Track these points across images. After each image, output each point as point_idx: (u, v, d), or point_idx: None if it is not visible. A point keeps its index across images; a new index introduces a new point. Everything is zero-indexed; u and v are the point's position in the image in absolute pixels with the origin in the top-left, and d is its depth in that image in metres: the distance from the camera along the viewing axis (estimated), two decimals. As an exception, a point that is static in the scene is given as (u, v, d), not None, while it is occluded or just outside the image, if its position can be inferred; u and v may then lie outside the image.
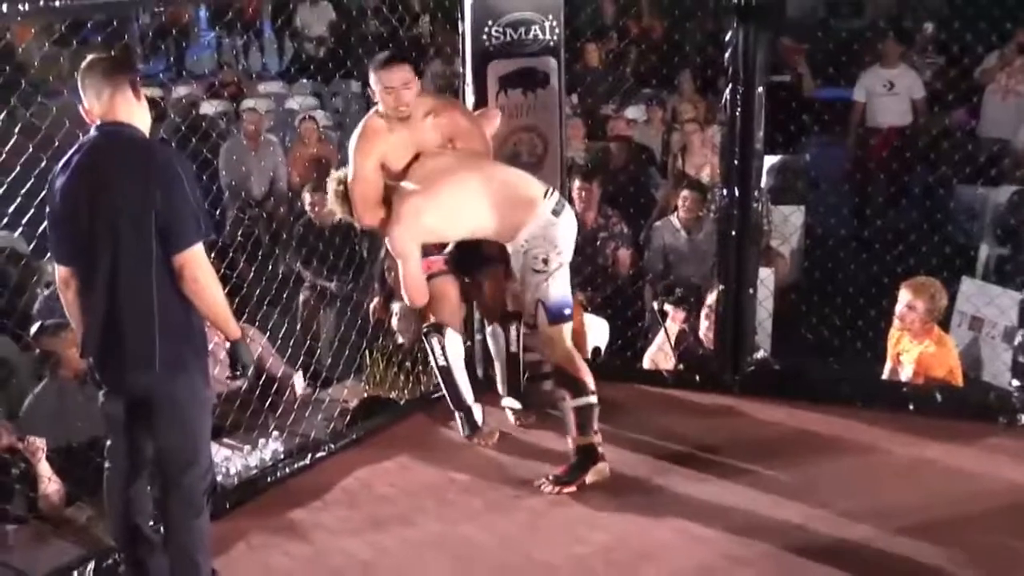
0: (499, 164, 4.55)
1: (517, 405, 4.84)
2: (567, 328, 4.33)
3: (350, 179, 4.35)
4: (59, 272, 3.23)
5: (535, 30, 4.97)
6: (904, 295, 5.06)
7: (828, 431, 4.79)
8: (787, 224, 7.00)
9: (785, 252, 7.06)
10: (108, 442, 3.33)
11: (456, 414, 4.70)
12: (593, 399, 4.27)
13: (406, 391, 5.13)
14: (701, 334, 5.56)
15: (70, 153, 3.13)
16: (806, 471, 4.40)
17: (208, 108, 9.32)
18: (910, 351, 5.10)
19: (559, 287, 4.28)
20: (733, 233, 5.10)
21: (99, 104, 3.12)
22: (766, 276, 5.76)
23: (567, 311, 4.30)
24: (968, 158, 8.13)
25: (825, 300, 5.58)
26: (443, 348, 4.59)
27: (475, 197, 4.25)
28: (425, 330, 4.62)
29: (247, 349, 3.35)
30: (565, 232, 4.29)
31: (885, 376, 5.26)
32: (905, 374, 5.12)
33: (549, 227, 4.23)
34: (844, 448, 4.63)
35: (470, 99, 5.00)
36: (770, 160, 7.44)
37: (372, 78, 4.27)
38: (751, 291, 5.19)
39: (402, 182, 4.29)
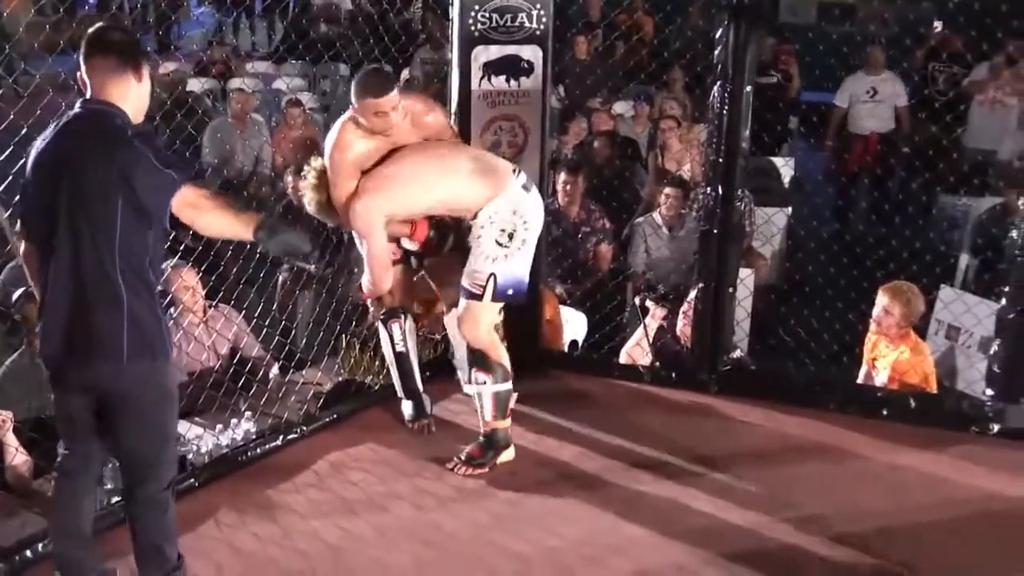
0: (468, 145, 4.60)
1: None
2: (499, 312, 4.39)
3: (332, 187, 4.27)
4: (24, 246, 3.17)
5: (522, 17, 4.97)
6: (881, 299, 5.07)
7: (802, 433, 4.80)
8: (770, 225, 7.01)
9: (766, 253, 7.07)
10: (61, 445, 3.21)
11: (404, 400, 4.72)
12: (510, 384, 4.36)
13: (380, 376, 5.10)
14: (679, 331, 5.56)
15: (52, 125, 3.05)
16: (779, 472, 4.41)
17: (195, 85, 9.24)
18: (886, 356, 5.12)
19: (517, 267, 4.26)
20: (715, 232, 5.10)
21: (94, 77, 3.01)
22: (746, 276, 5.77)
23: (512, 292, 4.27)
24: (952, 168, 8.16)
25: (804, 302, 5.59)
26: (403, 334, 4.61)
27: (444, 168, 4.23)
28: (384, 315, 4.60)
29: (276, 230, 3.21)
30: (534, 208, 4.28)
31: (860, 380, 5.27)
32: (880, 379, 5.13)
33: (520, 201, 4.22)
34: (817, 451, 4.64)
35: (455, 84, 5.00)
36: (779, 161, 7.52)
37: (360, 102, 4.14)
38: (731, 290, 5.20)
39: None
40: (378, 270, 4.37)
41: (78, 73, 3.05)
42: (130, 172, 2.88)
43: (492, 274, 4.22)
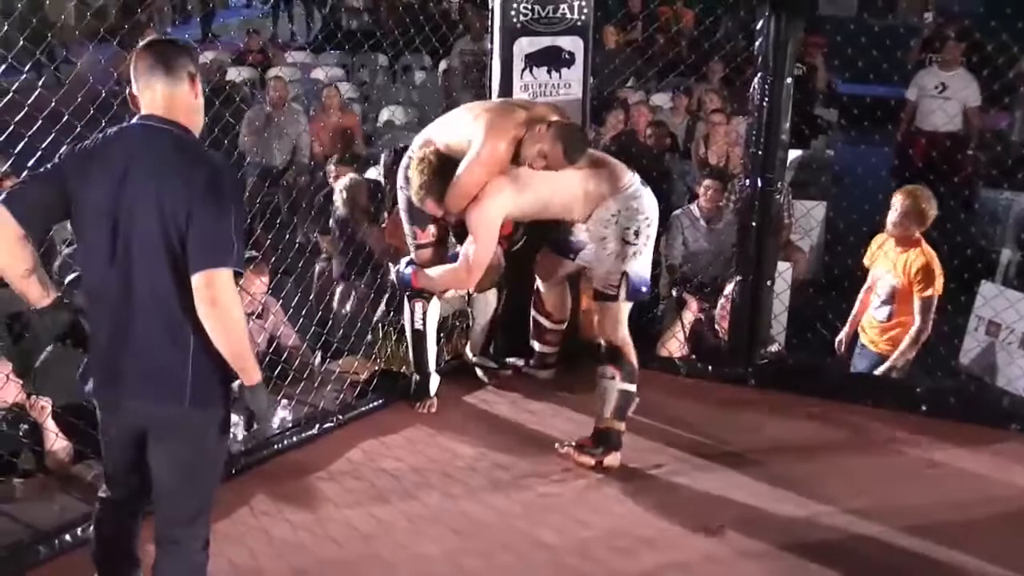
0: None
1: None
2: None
3: (474, 158, 4.19)
4: (13, 225, 2.71)
5: (563, 8, 4.95)
6: (897, 200, 5.03)
7: (838, 428, 4.77)
8: (808, 218, 6.95)
9: (805, 247, 7.01)
10: (106, 466, 3.02)
11: (413, 376, 4.84)
12: (635, 387, 4.32)
13: (416, 366, 5.11)
14: (716, 324, 5.54)
15: (99, 137, 2.77)
16: (815, 467, 4.38)
17: (234, 74, 9.29)
18: (890, 257, 5.06)
19: (643, 264, 4.35)
20: (753, 224, 5.07)
21: (149, 93, 2.74)
22: (784, 270, 5.73)
23: (644, 290, 4.37)
24: (996, 161, 8.03)
25: (843, 297, 5.54)
26: (424, 314, 4.70)
27: (564, 178, 4.28)
28: (411, 293, 4.68)
29: (265, 395, 2.84)
30: (652, 204, 4.36)
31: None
32: (888, 284, 5.06)
33: (638, 198, 4.30)
34: (854, 446, 4.61)
35: (496, 76, 4.99)
36: (793, 154, 7.38)
37: (541, 145, 4.14)
38: (769, 284, 5.16)
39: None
40: (478, 269, 4.36)
41: (128, 89, 2.80)
42: (208, 201, 2.64)
43: (624, 272, 4.28)
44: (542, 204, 4.34)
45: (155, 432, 2.81)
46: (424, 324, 4.72)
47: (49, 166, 2.77)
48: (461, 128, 4.31)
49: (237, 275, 2.70)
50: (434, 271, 4.57)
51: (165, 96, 2.72)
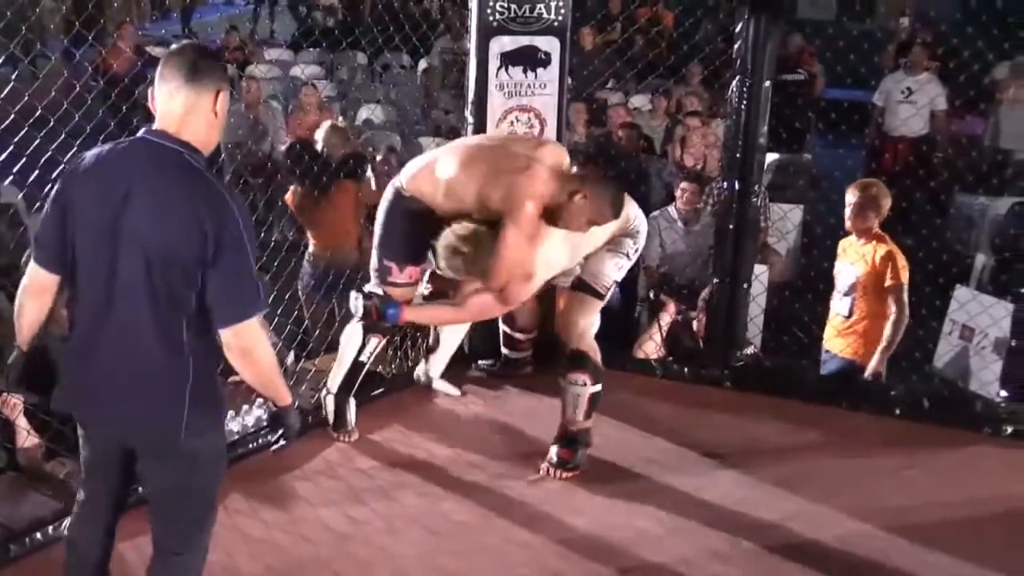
0: None
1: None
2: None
3: (514, 233, 3.90)
4: (35, 277, 2.69)
5: (540, 8, 4.95)
6: (850, 196, 5.03)
7: (814, 431, 4.79)
8: (785, 222, 6.98)
9: (781, 250, 7.04)
10: (84, 477, 2.89)
11: (334, 403, 4.55)
12: (601, 386, 4.33)
13: (393, 365, 5.10)
14: (693, 326, 5.55)
15: (99, 151, 2.60)
16: (790, 469, 4.39)
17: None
18: (859, 252, 5.05)
19: (621, 276, 4.44)
20: (731, 227, 5.08)
21: (167, 103, 2.56)
22: (761, 272, 5.74)
23: (616, 299, 4.46)
24: (972, 167, 8.08)
25: (819, 299, 5.57)
26: (373, 349, 4.49)
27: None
28: (369, 325, 4.39)
29: (296, 416, 2.83)
30: (645, 227, 4.43)
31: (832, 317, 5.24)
32: (851, 274, 5.06)
33: (639, 233, 4.37)
34: (830, 448, 4.63)
35: (472, 74, 4.99)
36: (771, 157, 7.40)
37: (590, 216, 3.97)
38: (745, 286, 5.18)
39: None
40: (514, 302, 4.20)
41: (148, 93, 2.61)
42: (226, 241, 2.48)
43: (615, 281, 4.36)
44: (568, 257, 4.32)
45: (147, 454, 2.71)
46: (367, 359, 4.50)
47: (53, 193, 2.63)
48: (459, 190, 4.05)
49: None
50: (433, 309, 4.38)
51: (184, 109, 2.55)
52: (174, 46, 2.66)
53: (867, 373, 5.03)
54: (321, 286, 5.57)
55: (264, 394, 2.76)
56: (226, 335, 2.54)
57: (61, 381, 2.76)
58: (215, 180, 2.55)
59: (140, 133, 2.60)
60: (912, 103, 8.54)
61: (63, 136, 3.81)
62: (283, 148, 6.44)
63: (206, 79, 2.56)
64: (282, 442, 2.82)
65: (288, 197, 5.95)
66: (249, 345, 2.56)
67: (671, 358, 5.45)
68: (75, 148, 3.97)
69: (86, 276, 2.60)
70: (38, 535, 3.59)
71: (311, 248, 5.83)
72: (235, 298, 2.53)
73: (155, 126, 2.57)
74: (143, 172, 2.52)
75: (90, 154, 2.61)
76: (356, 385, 4.55)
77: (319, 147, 6.07)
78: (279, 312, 5.26)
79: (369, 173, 6.79)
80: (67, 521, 3.54)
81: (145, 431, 2.66)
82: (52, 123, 3.64)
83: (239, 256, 2.51)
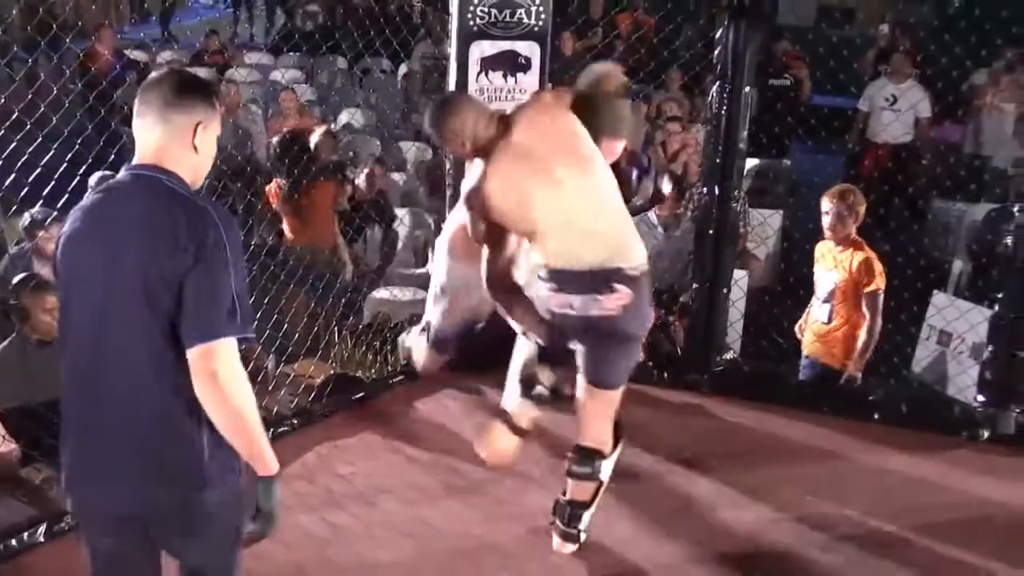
0: None
1: None
2: None
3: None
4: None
5: (520, 13, 4.95)
6: (826, 204, 5.01)
7: (793, 435, 4.80)
8: (765, 227, 7.00)
9: (761, 255, 7.06)
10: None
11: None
12: None
13: (372, 370, 5.09)
14: (673, 331, 5.56)
15: (88, 198, 2.42)
16: (768, 473, 4.40)
17: (192, 75, 9.21)
18: (837, 258, 5.06)
19: None
20: (711, 232, 5.09)
21: (143, 136, 2.38)
22: (740, 277, 5.76)
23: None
24: (949, 173, 8.12)
25: (798, 305, 5.59)
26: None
27: None
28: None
29: (277, 492, 2.40)
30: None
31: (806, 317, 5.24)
32: (830, 280, 5.06)
33: None
34: (808, 453, 4.64)
35: (453, 79, 4.99)
36: (751, 162, 7.43)
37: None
38: (725, 291, 5.19)
39: None
40: None
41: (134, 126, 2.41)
42: (204, 257, 2.24)
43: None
44: None
45: (160, 523, 2.39)
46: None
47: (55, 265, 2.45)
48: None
49: (244, 341, 2.31)
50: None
51: (160, 144, 2.36)
52: (153, 75, 2.48)
53: (843, 379, 5.05)
54: (294, 275, 5.53)
55: (242, 452, 2.32)
56: (191, 356, 2.24)
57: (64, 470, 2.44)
58: (197, 199, 2.34)
59: (121, 171, 2.42)
60: (896, 110, 8.56)
61: (40, 139, 3.79)
62: (275, 139, 6.51)
63: (184, 112, 2.36)
64: (253, 527, 2.41)
65: (271, 188, 6.03)
66: (217, 367, 2.23)
67: (650, 363, 5.44)
68: (52, 151, 3.97)
69: (73, 331, 2.37)
70: (13, 542, 3.56)
71: (286, 235, 6.06)
72: (204, 316, 2.24)
73: (135, 160, 2.40)
74: (126, 210, 2.32)
75: (74, 211, 2.41)
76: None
77: (311, 144, 6.22)
78: (258, 316, 5.25)
79: (360, 179, 6.84)
80: (42, 528, 3.54)
81: (156, 494, 2.33)
82: (29, 126, 3.61)
83: (215, 269, 2.25)
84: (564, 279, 3.41)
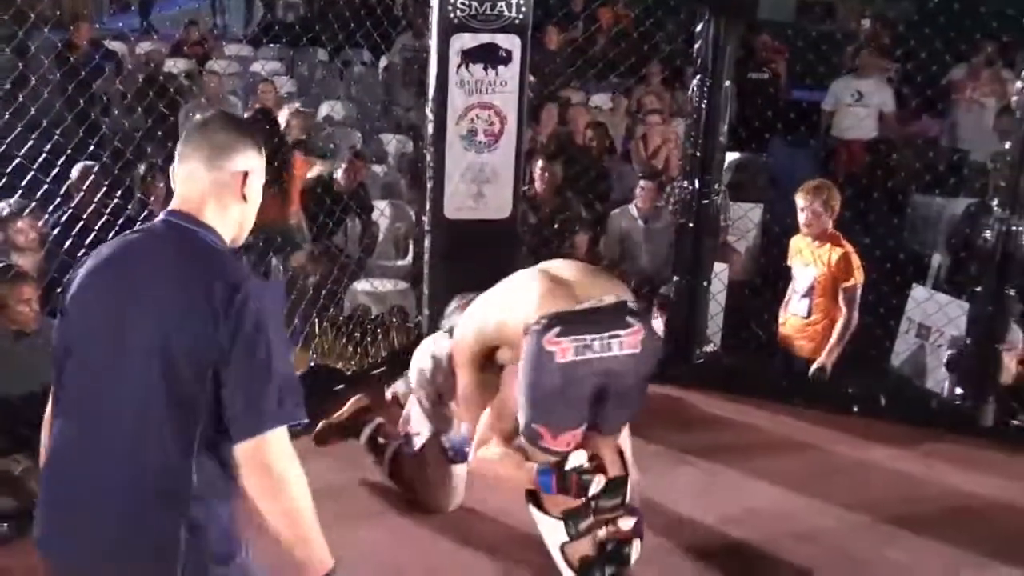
0: None
1: None
2: None
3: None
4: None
5: (501, 6, 4.94)
6: (801, 200, 5.03)
7: (773, 428, 4.82)
8: (745, 220, 7.02)
9: (741, 248, 7.08)
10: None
11: None
12: None
13: (353, 362, 5.08)
14: (653, 324, 5.56)
15: (113, 241, 2.24)
16: (749, 466, 4.41)
17: (172, 67, 9.17)
18: (815, 253, 5.08)
19: None
20: (691, 225, 5.11)
21: (186, 187, 2.20)
22: (721, 271, 5.77)
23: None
24: (928, 167, 8.15)
25: (778, 298, 5.61)
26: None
27: None
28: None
29: None
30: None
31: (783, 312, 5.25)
32: (808, 277, 5.09)
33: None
34: (788, 445, 4.66)
35: (433, 72, 4.98)
36: (731, 156, 7.44)
37: None
38: (705, 284, 5.21)
39: None
40: None
41: (170, 170, 2.25)
42: (241, 338, 2.03)
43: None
44: None
45: None
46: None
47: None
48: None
49: (293, 428, 2.11)
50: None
51: (203, 194, 2.17)
52: (198, 117, 2.31)
53: (812, 369, 5.07)
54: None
55: (295, 552, 2.09)
56: (241, 451, 2.04)
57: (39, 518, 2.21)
58: (236, 260, 2.17)
59: (159, 216, 2.22)
60: (864, 106, 8.60)
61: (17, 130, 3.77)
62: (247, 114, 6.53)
63: (231, 160, 2.19)
64: None
65: None
66: (269, 462, 2.04)
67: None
68: (31, 141, 3.94)
69: (68, 402, 2.17)
70: (-8, 533, 3.54)
71: None
72: (254, 403, 2.04)
73: (173, 206, 2.20)
74: (151, 261, 2.13)
75: (95, 252, 2.22)
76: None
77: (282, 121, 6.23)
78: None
79: (338, 173, 6.82)
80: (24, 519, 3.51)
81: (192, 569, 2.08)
82: (7, 116, 3.58)
83: (257, 347, 2.04)
84: (569, 319, 3.02)
